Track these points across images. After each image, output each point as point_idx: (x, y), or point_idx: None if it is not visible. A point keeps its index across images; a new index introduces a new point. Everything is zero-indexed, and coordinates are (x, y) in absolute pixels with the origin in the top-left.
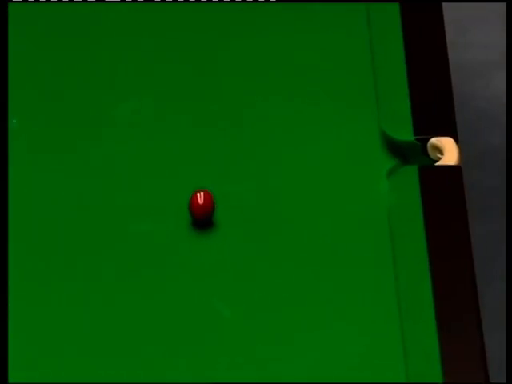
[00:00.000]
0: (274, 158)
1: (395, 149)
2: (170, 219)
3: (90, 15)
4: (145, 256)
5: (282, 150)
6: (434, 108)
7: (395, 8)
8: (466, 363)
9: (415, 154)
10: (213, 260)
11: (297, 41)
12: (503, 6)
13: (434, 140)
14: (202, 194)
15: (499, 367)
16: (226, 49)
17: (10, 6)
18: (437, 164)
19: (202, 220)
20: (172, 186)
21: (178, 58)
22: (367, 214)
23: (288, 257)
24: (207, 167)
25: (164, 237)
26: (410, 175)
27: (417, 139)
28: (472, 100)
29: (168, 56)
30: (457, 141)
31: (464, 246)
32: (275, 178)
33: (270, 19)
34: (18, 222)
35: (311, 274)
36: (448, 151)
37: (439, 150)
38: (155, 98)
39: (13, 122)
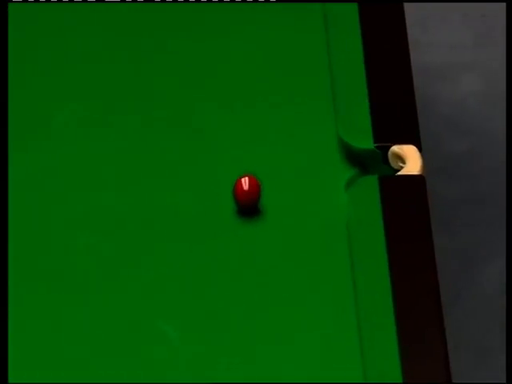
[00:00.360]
0: (225, 167)
1: (354, 157)
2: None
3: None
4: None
5: (233, 158)
6: (396, 113)
7: (353, 8)
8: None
9: (375, 163)
10: (159, 274)
11: (250, 43)
12: (469, 5)
13: (395, 148)
14: (246, 179)
15: (499, 368)
16: (177, 50)
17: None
18: (398, 174)
19: (248, 207)
20: (117, 191)
21: (122, 60)
22: (325, 227)
23: (242, 271)
24: (152, 176)
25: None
26: (370, 186)
27: (377, 147)
28: (435, 105)
29: (110, 58)
30: (420, 149)
31: (427, 260)
32: (227, 188)
33: (221, 20)
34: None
35: (267, 289)
36: (410, 160)
37: (401, 159)
38: (101, 101)
39: None
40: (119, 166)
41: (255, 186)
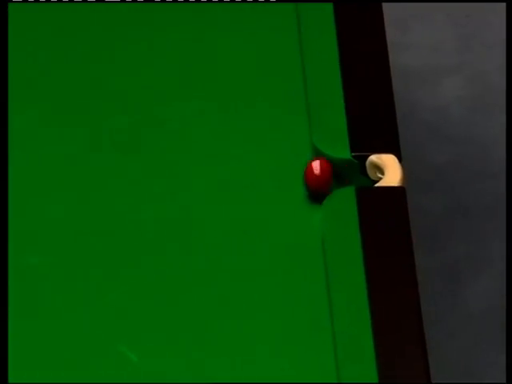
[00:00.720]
0: (191, 176)
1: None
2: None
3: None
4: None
5: (198, 167)
6: (374, 120)
7: (328, 8)
8: None
9: (352, 174)
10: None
11: (219, 44)
12: (452, 4)
13: (373, 157)
14: (317, 162)
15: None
16: (142, 49)
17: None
18: (377, 185)
19: (319, 192)
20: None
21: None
22: (297, 243)
23: (215, 284)
24: (114, 188)
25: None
26: (347, 198)
27: (354, 156)
28: (416, 111)
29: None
30: (400, 158)
31: (408, 276)
32: (192, 199)
33: (189, 19)
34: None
35: (237, 305)
36: (390, 170)
37: (379, 169)
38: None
39: None
40: (102, 167)
41: (327, 169)
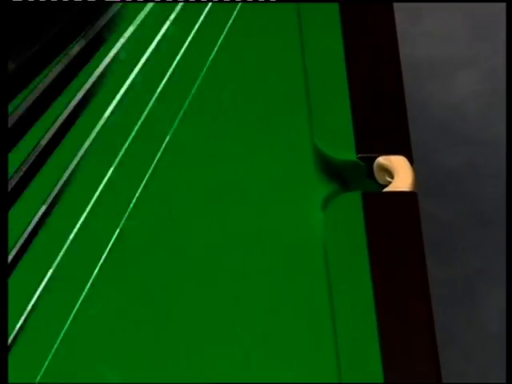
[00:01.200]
0: (192, 178)
1: (333, 170)
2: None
3: None
4: None
5: (199, 168)
6: (382, 119)
7: (332, 6)
8: None
9: (358, 177)
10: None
11: (219, 45)
12: None
13: (381, 159)
14: None
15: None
16: (141, 48)
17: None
18: (385, 189)
19: None
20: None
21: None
22: (298, 253)
23: (207, 293)
24: (104, 197)
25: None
26: (352, 204)
27: (360, 158)
28: (427, 108)
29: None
30: (411, 160)
31: (420, 291)
32: (193, 201)
33: (189, 19)
34: None
35: (235, 314)
36: (400, 173)
37: (388, 172)
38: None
39: None
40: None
41: None
